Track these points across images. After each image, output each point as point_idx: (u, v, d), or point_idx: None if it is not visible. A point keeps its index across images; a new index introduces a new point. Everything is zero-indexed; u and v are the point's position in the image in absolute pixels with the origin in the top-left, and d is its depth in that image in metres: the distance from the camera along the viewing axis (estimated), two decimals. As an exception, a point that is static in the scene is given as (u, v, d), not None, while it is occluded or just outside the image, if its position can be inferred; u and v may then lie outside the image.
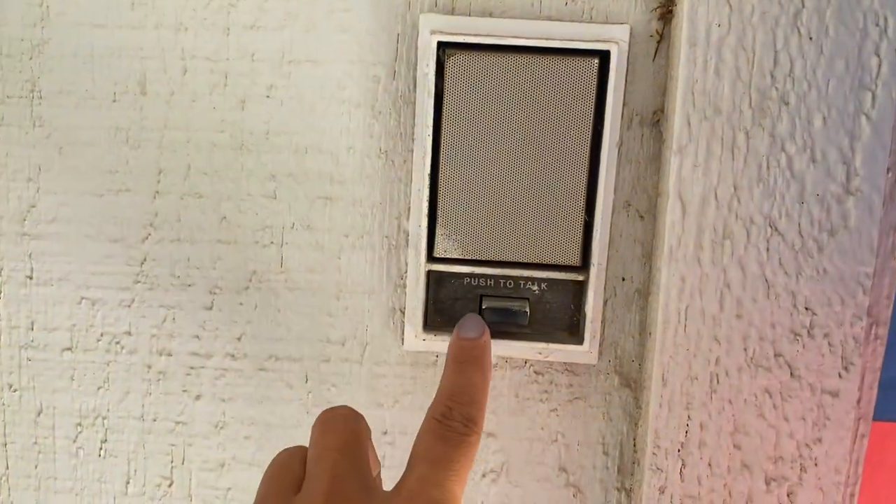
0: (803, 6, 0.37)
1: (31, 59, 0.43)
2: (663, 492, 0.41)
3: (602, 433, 0.44)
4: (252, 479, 0.46)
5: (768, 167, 0.38)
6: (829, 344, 0.39)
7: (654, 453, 0.41)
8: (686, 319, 0.40)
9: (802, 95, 0.38)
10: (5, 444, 0.47)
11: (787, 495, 0.41)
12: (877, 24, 0.37)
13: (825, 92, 0.37)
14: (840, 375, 0.40)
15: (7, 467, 0.47)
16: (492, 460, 0.45)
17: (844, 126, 0.38)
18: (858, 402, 0.41)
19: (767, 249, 0.39)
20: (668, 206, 0.39)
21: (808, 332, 0.39)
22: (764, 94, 0.38)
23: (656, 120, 0.41)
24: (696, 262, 0.39)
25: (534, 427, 0.44)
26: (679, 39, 0.38)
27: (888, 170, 0.38)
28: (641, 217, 0.42)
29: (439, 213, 0.41)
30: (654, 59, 0.40)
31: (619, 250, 0.42)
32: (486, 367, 0.37)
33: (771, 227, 0.39)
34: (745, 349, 0.40)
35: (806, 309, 0.39)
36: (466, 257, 0.41)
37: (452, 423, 0.33)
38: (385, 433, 0.45)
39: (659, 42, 0.40)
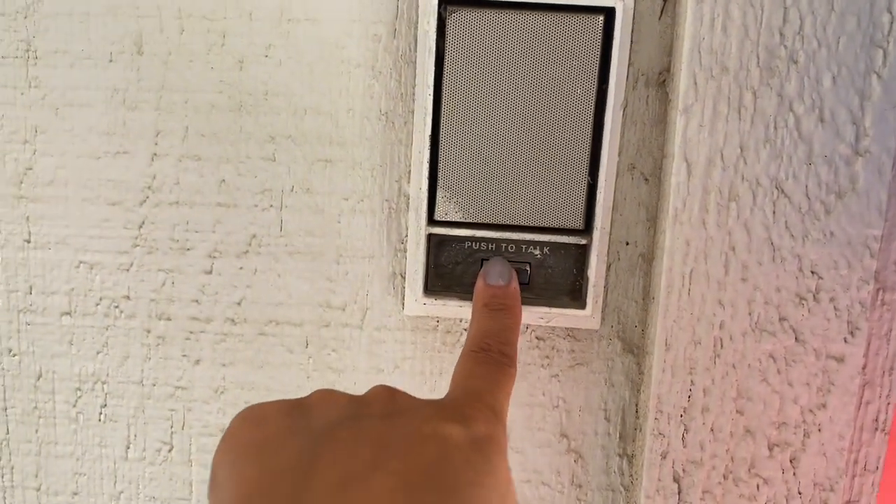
0: (814, -39, 0.36)
1: (25, 18, 0.42)
2: (665, 457, 0.41)
3: (604, 399, 0.44)
4: (252, 445, 0.46)
5: (776, 128, 0.37)
6: (835, 308, 0.39)
7: (656, 418, 0.40)
8: (690, 283, 0.39)
9: (812, 54, 0.37)
10: (5, 409, 0.47)
11: (790, 461, 0.41)
12: (890, -20, 0.36)
13: (835, 50, 0.37)
14: (846, 340, 0.39)
15: (7, 432, 0.47)
16: (493, 426, 0.44)
17: (854, 85, 0.37)
18: (864, 368, 0.40)
19: (774, 212, 0.38)
20: (674, 167, 0.38)
21: (814, 296, 0.39)
22: (772, 52, 0.37)
23: (662, 80, 0.40)
24: (702, 225, 0.38)
25: (535, 393, 0.44)
26: (686, -4, 0.37)
27: (898, 131, 0.38)
28: (646, 180, 0.41)
29: (440, 175, 0.40)
30: (660, 18, 0.39)
31: (622, 214, 0.42)
32: (517, 312, 0.37)
33: (777, 189, 0.38)
34: (750, 313, 0.39)
35: (812, 273, 0.39)
36: (467, 220, 0.41)
37: (491, 354, 0.34)
38: (385, 399, 0.45)
39: (665, 0, 0.39)
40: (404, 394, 0.30)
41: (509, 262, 0.41)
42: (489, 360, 0.34)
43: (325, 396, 0.30)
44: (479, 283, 0.39)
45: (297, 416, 0.28)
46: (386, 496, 0.24)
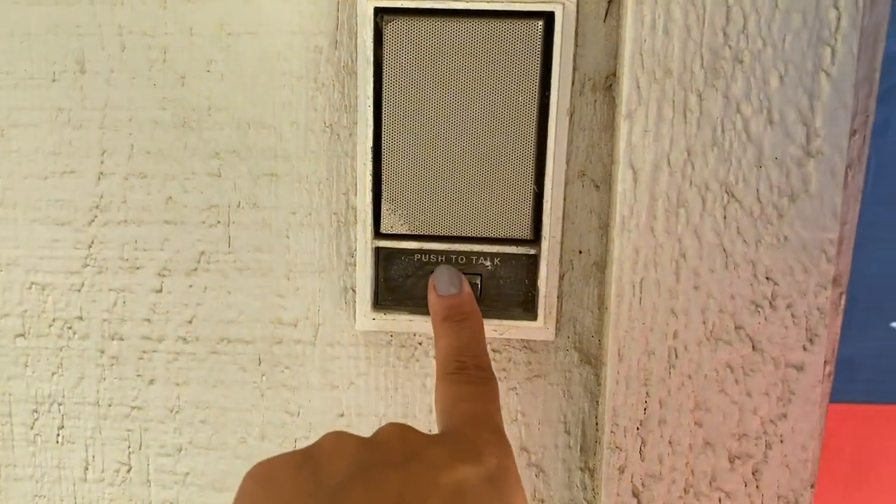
0: (756, -43, 0.35)
1: (-33, 39, 0.42)
2: (623, 471, 0.40)
3: (563, 411, 0.43)
4: (209, 464, 0.45)
5: (723, 130, 0.36)
6: (793, 315, 0.38)
7: (612, 431, 0.39)
8: (641, 292, 0.38)
9: (757, 53, 0.36)
10: (-36, 432, 0.47)
11: (753, 473, 0.39)
12: (835, -25, 0.35)
13: (781, 48, 0.35)
14: (805, 348, 0.38)
15: (-33, 455, 0.47)
16: (451, 441, 0.44)
17: (803, 84, 0.36)
18: (825, 375, 0.39)
19: (724, 217, 0.37)
20: (619, 173, 0.37)
21: (770, 303, 0.38)
22: (716, 52, 0.36)
23: (609, 85, 0.39)
24: (650, 232, 0.37)
25: (492, 407, 0.43)
26: (626, -2, 0.36)
27: (854, 132, 0.36)
28: (597, 187, 0.40)
29: (384, 187, 0.39)
30: (604, 20, 0.38)
31: (574, 222, 0.41)
32: (478, 318, 0.37)
33: (727, 193, 0.37)
34: (704, 322, 0.38)
35: (767, 279, 0.37)
36: (414, 233, 0.40)
37: (469, 372, 0.33)
38: (341, 415, 0.44)
39: (610, 2, 0.38)
40: (415, 433, 0.29)
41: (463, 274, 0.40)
42: (470, 378, 0.33)
43: (335, 443, 0.28)
44: (432, 297, 0.38)
45: (308, 472, 0.27)
46: None
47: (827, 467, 0.33)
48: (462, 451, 0.28)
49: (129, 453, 0.46)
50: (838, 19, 0.35)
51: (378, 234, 0.40)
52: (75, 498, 0.47)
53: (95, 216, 0.43)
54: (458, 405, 0.32)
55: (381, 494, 0.25)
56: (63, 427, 0.46)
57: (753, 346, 0.38)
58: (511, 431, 0.43)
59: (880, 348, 0.31)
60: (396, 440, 0.29)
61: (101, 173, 0.43)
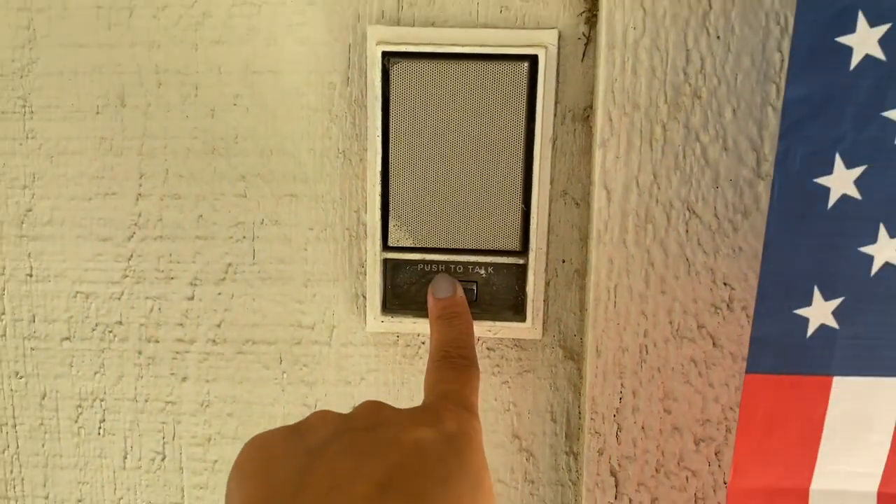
0: (710, 8, 0.40)
1: (21, 77, 0.47)
2: (602, 453, 0.45)
3: (550, 402, 0.48)
4: (236, 452, 0.51)
5: (684, 156, 0.42)
6: (747, 316, 0.43)
7: (592, 418, 0.45)
8: (615, 296, 0.44)
9: (713, 90, 0.41)
10: (14, 426, 0.52)
11: (715, 454, 0.45)
12: (778, 23, 0.40)
13: (734, 86, 0.41)
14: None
15: (17, 447, 0.52)
16: (451, 430, 0.49)
17: (753, 116, 0.41)
18: (777, 367, 0.44)
19: (687, 231, 0.43)
20: (595, 194, 0.43)
21: (728, 305, 0.43)
22: (678, 89, 0.41)
23: (587, 116, 0.45)
24: (623, 245, 0.43)
25: (487, 398, 0.48)
26: (600, 42, 0.42)
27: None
28: (577, 204, 0.46)
29: (391, 206, 0.45)
30: (582, 60, 0.44)
31: (558, 235, 0.46)
32: (468, 317, 0.42)
33: (689, 210, 0.42)
34: (671, 322, 0.44)
35: (724, 284, 0.43)
36: (418, 245, 0.46)
37: (452, 360, 0.38)
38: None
39: (586, 44, 0.44)
40: (389, 407, 0.34)
41: (458, 281, 0.46)
42: (452, 365, 0.38)
43: (320, 417, 0.34)
44: (430, 300, 0.44)
45: (296, 439, 0.32)
46: (363, 500, 0.28)
47: (746, 424, 0.40)
48: (425, 417, 0.33)
49: (164, 443, 0.51)
50: (781, 61, 0.41)
51: (386, 247, 0.46)
52: (115, 484, 0.52)
53: (134, 232, 0.49)
54: (437, 385, 0.37)
55: (351, 449, 0.30)
56: (104, 420, 0.51)
57: (714, 343, 0.44)
58: (504, 420, 0.49)
59: (785, 330, 0.38)
60: (370, 412, 0.34)
61: (140, 194, 0.48)
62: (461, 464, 0.31)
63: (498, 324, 0.46)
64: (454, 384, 0.37)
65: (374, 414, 0.34)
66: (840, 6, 0.34)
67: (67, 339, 0.51)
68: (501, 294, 0.46)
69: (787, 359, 0.38)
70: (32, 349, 0.51)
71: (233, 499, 0.31)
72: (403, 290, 0.47)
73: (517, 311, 0.46)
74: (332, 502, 0.28)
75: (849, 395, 0.39)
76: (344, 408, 0.49)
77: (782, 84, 0.41)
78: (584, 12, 0.44)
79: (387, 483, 0.29)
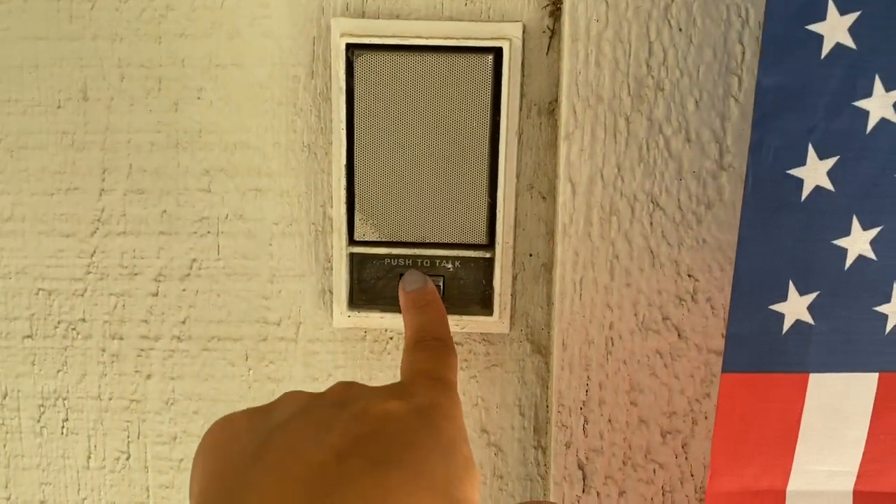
0: (672, 1, 0.41)
1: (-20, 71, 0.46)
2: (569, 447, 0.45)
3: (518, 396, 0.48)
4: (202, 451, 0.50)
5: (648, 148, 0.42)
6: (712, 307, 0.43)
7: (558, 411, 0.45)
8: (581, 289, 0.44)
9: (676, 82, 0.41)
10: (-25, 426, 0.51)
11: (682, 446, 0.45)
12: (739, 15, 0.41)
13: (696, 78, 0.41)
14: (723, 335, 0.44)
15: (-22, 447, 0.51)
16: (419, 425, 0.49)
17: (715, 108, 0.42)
18: (742, 359, 0.44)
19: (651, 223, 0.43)
20: (560, 187, 0.43)
21: (692, 296, 0.43)
22: (641, 82, 0.41)
23: (552, 109, 0.45)
24: (588, 237, 0.43)
25: (455, 393, 0.48)
26: (564, 34, 0.42)
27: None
28: (544, 198, 0.46)
29: (356, 200, 0.45)
30: (547, 53, 0.44)
31: (525, 229, 0.46)
32: (440, 305, 0.41)
33: (653, 202, 0.42)
34: (636, 314, 0.44)
35: (689, 276, 0.43)
36: (384, 239, 0.45)
37: (427, 342, 0.38)
38: (321, 404, 0.49)
39: (551, 37, 0.44)
40: (359, 385, 0.34)
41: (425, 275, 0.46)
42: (427, 346, 0.38)
43: (291, 395, 0.33)
44: (401, 295, 0.43)
45: (260, 417, 0.32)
46: (317, 466, 0.27)
47: (722, 424, 0.39)
48: (396, 391, 0.32)
49: (129, 442, 0.51)
50: (743, 53, 0.41)
51: (352, 241, 0.46)
52: (79, 484, 0.51)
53: (97, 228, 0.48)
54: (411, 367, 0.36)
55: (313, 422, 0.30)
56: (67, 420, 0.51)
57: (679, 335, 0.44)
58: (472, 415, 0.49)
59: (761, 327, 0.37)
60: (341, 389, 0.33)
61: (103, 189, 0.47)
62: (431, 432, 0.30)
63: (465, 318, 0.46)
64: (429, 362, 0.36)
65: (344, 392, 0.33)
66: (808, -7, 0.34)
67: (29, 336, 0.50)
68: (468, 288, 0.46)
69: (763, 357, 0.38)
70: (-7, 348, 0.50)
71: (193, 477, 0.30)
72: (370, 284, 0.46)
73: (485, 305, 0.46)
74: (285, 470, 0.28)
75: (825, 392, 0.39)
76: (311, 404, 0.49)
77: (744, 76, 0.41)
78: (548, 5, 0.44)
79: (346, 451, 0.28)
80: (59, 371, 0.50)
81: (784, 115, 0.36)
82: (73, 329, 0.49)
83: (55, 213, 0.48)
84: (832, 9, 0.34)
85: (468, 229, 0.45)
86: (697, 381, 0.44)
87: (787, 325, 0.38)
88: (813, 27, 0.35)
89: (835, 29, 0.35)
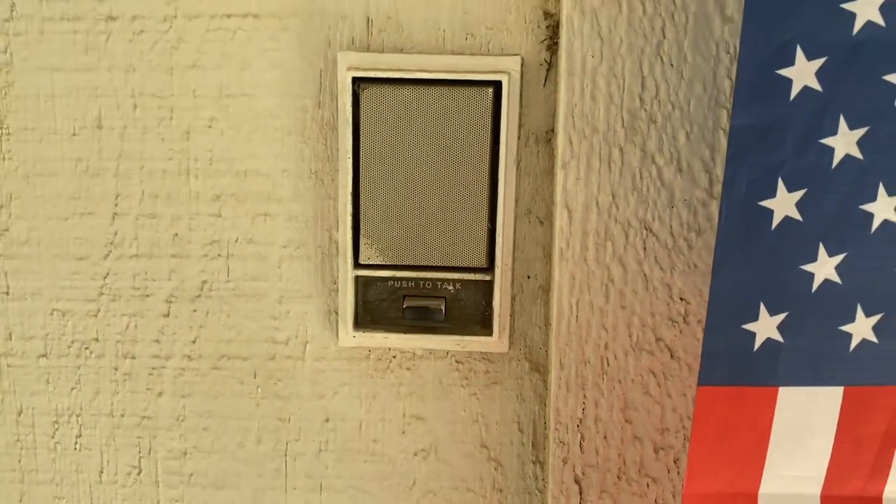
0: (664, 37, 0.43)
1: (-2, 100, 0.48)
2: (566, 462, 0.47)
3: (517, 413, 0.50)
4: (211, 465, 0.52)
5: (641, 177, 0.44)
6: (702, 329, 0.45)
7: (556, 428, 0.47)
8: (577, 311, 0.46)
9: (668, 115, 0.43)
10: (-9, 443, 0.53)
11: (674, 461, 0.47)
12: (727, 52, 0.43)
13: (687, 111, 0.43)
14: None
15: (-7, 463, 0.53)
16: (422, 441, 0.51)
17: (705, 140, 0.44)
18: (731, 377, 0.46)
19: (644, 248, 0.45)
20: (557, 213, 0.45)
21: (684, 318, 0.45)
22: (634, 114, 0.43)
23: (549, 138, 0.47)
24: (584, 262, 0.45)
25: (457, 410, 0.50)
26: (561, 69, 0.44)
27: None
28: (541, 222, 0.48)
29: (362, 225, 0.47)
30: (544, 85, 0.46)
31: (523, 252, 0.48)
32: None
33: (646, 229, 0.44)
34: (630, 335, 0.46)
35: (681, 299, 0.45)
36: (388, 263, 0.47)
37: None
38: (327, 421, 0.51)
39: (548, 70, 0.46)
40: None
41: (426, 297, 0.48)
42: None
43: None
44: None
45: None
46: None
47: (698, 432, 0.42)
48: None
49: (140, 458, 0.52)
50: (731, 88, 0.43)
51: (357, 264, 0.48)
52: (91, 499, 0.53)
53: (110, 251, 0.50)
54: None
55: None
56: (80, 436, 0.52)
57: (671, 355, 0.46)
58: (472, 431, 0.50)
59: (734, 344, 0.40)
60: None
61: (116, 214, 0.49)
62: None
63: (466, 338, 0.48)
64: None
65: None
66: (780, 41, 0.36)
67: (44, 355, 0.51)
68: (469, 309, 0.48)
69: (736, 371, 0.40)
70: (9, 366, 0.52)
71: None
72: (375, 305, 0.48)
73: (484, 325, 0.48)
74: None
75: (794, 404, 0.41)
76: (318, 421, 0.51)
77: (732, 109, 0.43)
78: (545, 40, 0.46)
79: None
80: (72, 389, 0.52)
81: (756, 152, 0.38)
82: (87, 348, 0.51)
83: (69, 237, 0.50)
84: (800, 55, 0.37)
85: (469, 253, 0.47)
86: (689, 400, 0.46)
87: (758, 343, 0.41)
88: (783, 72, 0.37)
89: (803, 73, 0.37)
